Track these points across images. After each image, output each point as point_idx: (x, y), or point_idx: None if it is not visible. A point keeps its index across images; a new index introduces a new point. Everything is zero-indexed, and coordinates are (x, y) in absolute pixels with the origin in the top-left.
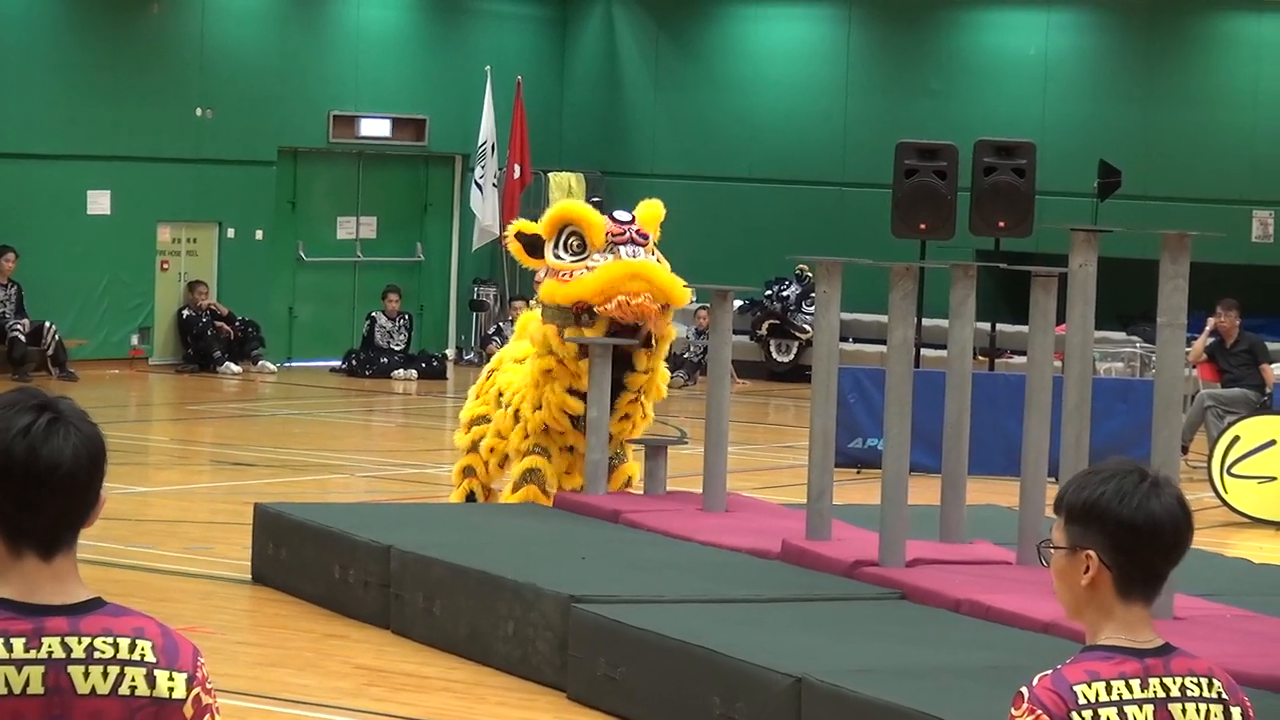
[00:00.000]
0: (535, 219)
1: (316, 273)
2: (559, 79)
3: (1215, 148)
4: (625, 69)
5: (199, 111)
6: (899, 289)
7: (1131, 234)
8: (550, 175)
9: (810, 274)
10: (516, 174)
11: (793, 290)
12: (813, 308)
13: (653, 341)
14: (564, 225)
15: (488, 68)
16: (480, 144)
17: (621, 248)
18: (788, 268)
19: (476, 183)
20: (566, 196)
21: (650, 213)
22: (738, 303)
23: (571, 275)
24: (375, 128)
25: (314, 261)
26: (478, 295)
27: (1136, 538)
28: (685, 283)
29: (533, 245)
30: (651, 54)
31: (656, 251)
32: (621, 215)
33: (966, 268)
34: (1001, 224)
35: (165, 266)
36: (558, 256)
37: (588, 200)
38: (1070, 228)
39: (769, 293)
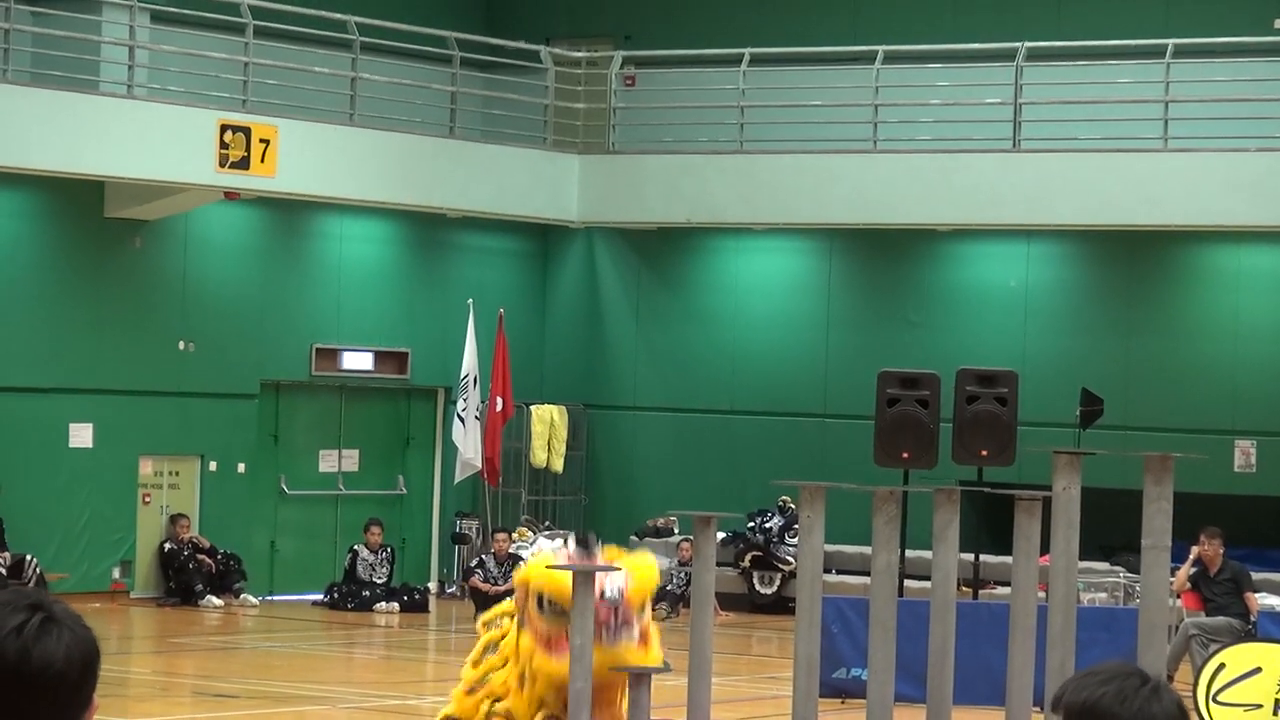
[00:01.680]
0: (518, 452)
1: (298, 506)
2: (541, 312)
3: (1196, 378)
4: (607, 302)
5: (181, 345)
6: (882, 513)
7: (1115, 456)
8: (532, 408)
9: (792, 505)
10: (499, 407)
11: (775, 522)
12: (795, 539)
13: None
14: (542, 595)
15: (470, 301)
16: (462, 377)
17: (604, 631)
18: (770, 500)
19: (459, 415)
20: (549, 429)
21: (640, 585)
22: (720, 534)
23: (551, 640)
24: (357, 361)
25: (296, 494)
26: (460, 528)
27: None
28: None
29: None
30: (633, 287)
31: (647, 610)
32: (610, 594)
33: (950, 492)
34: (984, 453)
35: (147, 500)
36: (542, 612)
37: (569, 430)
38: (1053, 450)
39: (751, 524)
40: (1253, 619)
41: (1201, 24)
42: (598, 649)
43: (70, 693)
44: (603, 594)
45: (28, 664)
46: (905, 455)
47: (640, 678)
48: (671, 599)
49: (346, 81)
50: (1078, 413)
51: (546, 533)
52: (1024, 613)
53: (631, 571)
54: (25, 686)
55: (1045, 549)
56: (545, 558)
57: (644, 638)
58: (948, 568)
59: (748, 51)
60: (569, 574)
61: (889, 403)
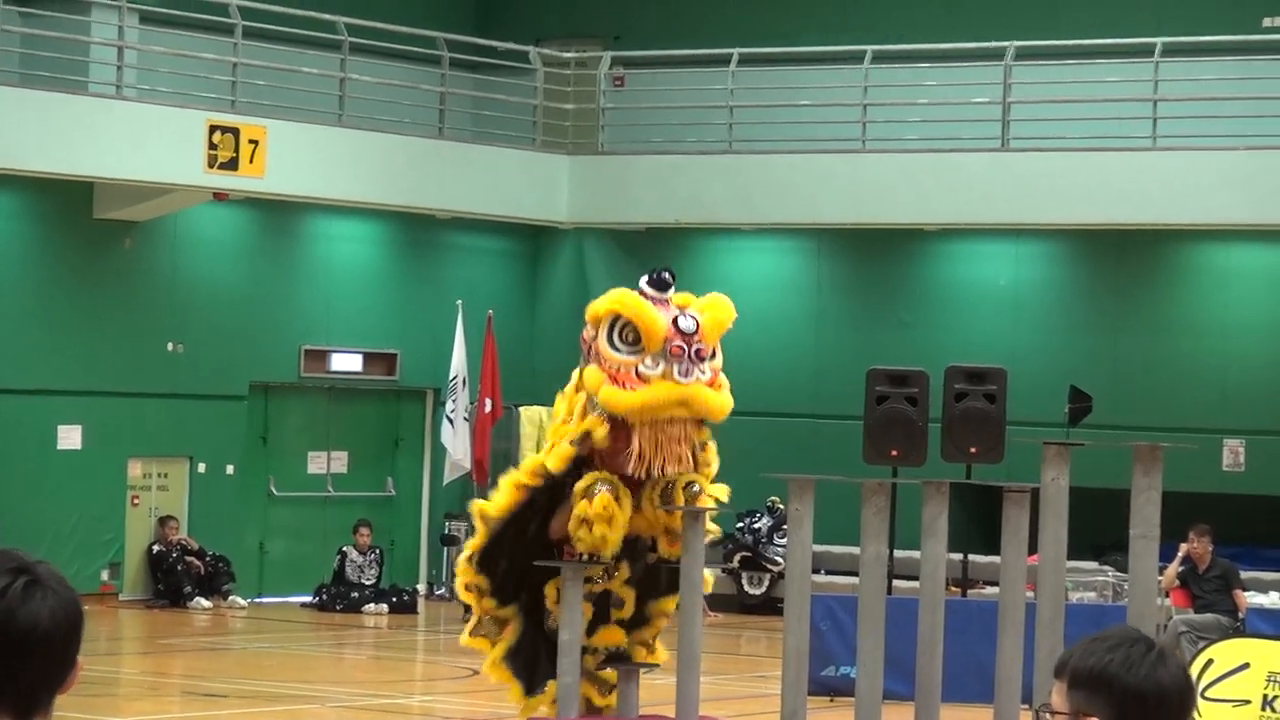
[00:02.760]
0: (507, 454)
1: (287, 507)
2: (530, 313)
3: (1186, 377)
4: None
5: (170, 346)
6: (871, 504)
7: (1103, 455)
8: (522, 409)
9: (781, 506)
10: (488, 408)
11: (764, 522)
12: (784, 539)
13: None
14: (619, 318)
15: (459, 302)
16: (451, 378)
17: (676, 363)
18: (758, 501)
19: (448, 417)
20: (538, 430)
21: (717, 319)
22: None
23: (620, 373)
24: (346, 362)
25: (285, 496)
26: (449, 530)
27: (1143, 707)
28: (731, 404)
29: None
30: (623, 288)
31: (719, 356)
32: (686, 324)
33: (939, 484)
34: (973, 450)
35: (136, 502)
36: (612, 344)
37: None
38: (1043, 441)
39: (740, 525)
40: (1241, 616)
41: (1190, 22)
42: (669, 384)
43: (56, 654)
44: (677, 323)
45: (13, 626)
46: (895, 453)
47: (629, 673)
48: None
49: (335, 82)
50: (1066, 410)
51: None
52: (1013, 605)
53: (706, 308)
54: (11, 648)
55: (1033, 550)
56: (614, 291)
57: (714, 380)
58: (937, 560)
59: (736, 52)
60: (651, 306)
61: (878, 400)
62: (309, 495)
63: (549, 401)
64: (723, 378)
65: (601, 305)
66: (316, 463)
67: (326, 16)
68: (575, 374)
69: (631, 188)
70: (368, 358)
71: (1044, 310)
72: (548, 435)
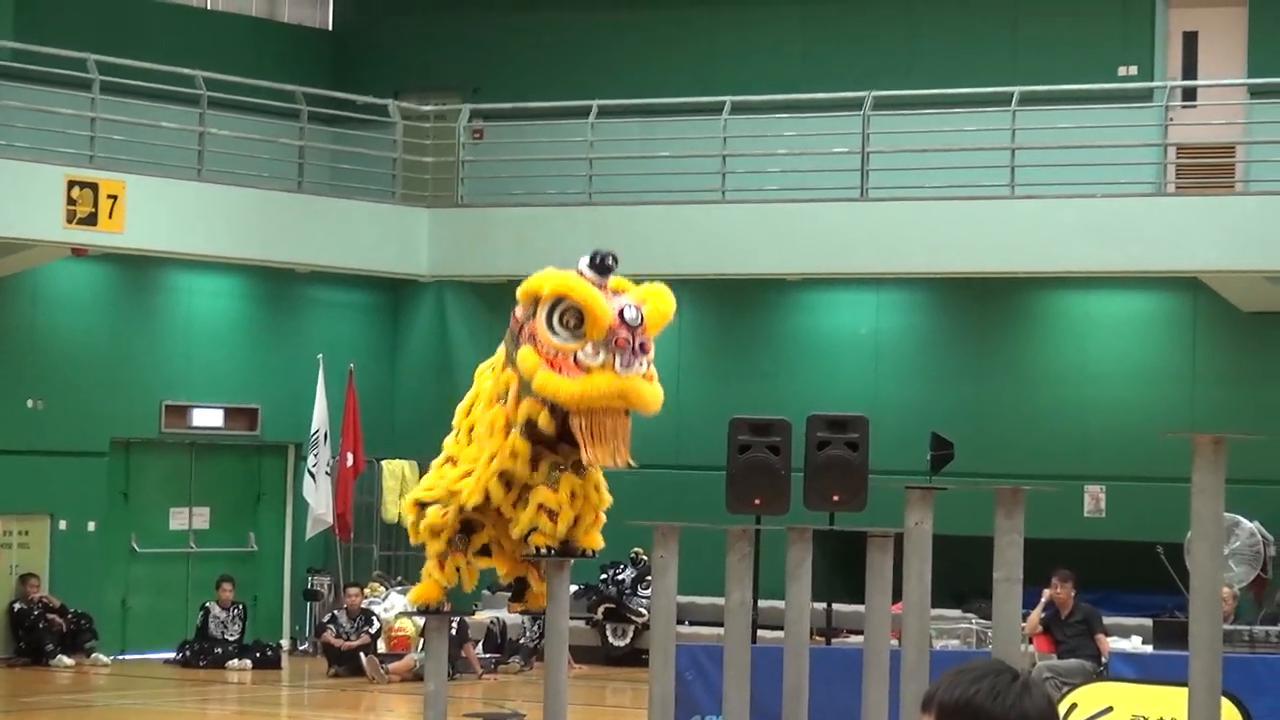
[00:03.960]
0: (369, 507)
1: (150, 564)
2: (391, 366)
3: (1047, 424)
4: (457, 355)
5: (30, 403)
6: (736, 551)
7: (966, 500)
8: (383, 462)
9: (645, 557)
10: (349, 462)
11: (628, 573)
12: (649, 590)
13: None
14: (563, 300)
15: (319, 356)
16: (313, 432)
17: (618, 354)
18: (622, 551)
19: (310, 471)
20: (400, 483)
21: (660, 312)
22: (573, 587)
23: (558, 358)
24: (207, 417)
25: (147, 552)
26: (312, 584)
27: None
28: (663, 397)
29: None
30: (484, 340)
31: (651, 359)
32: (631, 316)
33: (802, 530)
34: (836, 498)
35: None
36: (551, 328)
37: None
38: (906, 486)
39: (604, 576)
40: (1104, 661)
41: (1046, 72)
42: (610, 376)
43: None
44: (622, 315)
45: None
46: (758, 501)
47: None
48: (525, 652)
49: (194, 136)
50: (928, 457)
51: (399, 588)
52: (878, 648)
53: (647, 298)
54: None
55: (897, 598)
56: (554, 271)
57: (648, 373)
58: (801, 605)
59: (595, 103)
60: (599, 292)
61: (740, 450)
62: (171, 551)
63: (411, 454)
64: (653, 369)
65: (544, 285)
66: (178, 519)
67: (184, 71)
68: (501, 349)
69: (491, 240)
70: (229, 413)
71: (905, 359)
72: (474, 411)
